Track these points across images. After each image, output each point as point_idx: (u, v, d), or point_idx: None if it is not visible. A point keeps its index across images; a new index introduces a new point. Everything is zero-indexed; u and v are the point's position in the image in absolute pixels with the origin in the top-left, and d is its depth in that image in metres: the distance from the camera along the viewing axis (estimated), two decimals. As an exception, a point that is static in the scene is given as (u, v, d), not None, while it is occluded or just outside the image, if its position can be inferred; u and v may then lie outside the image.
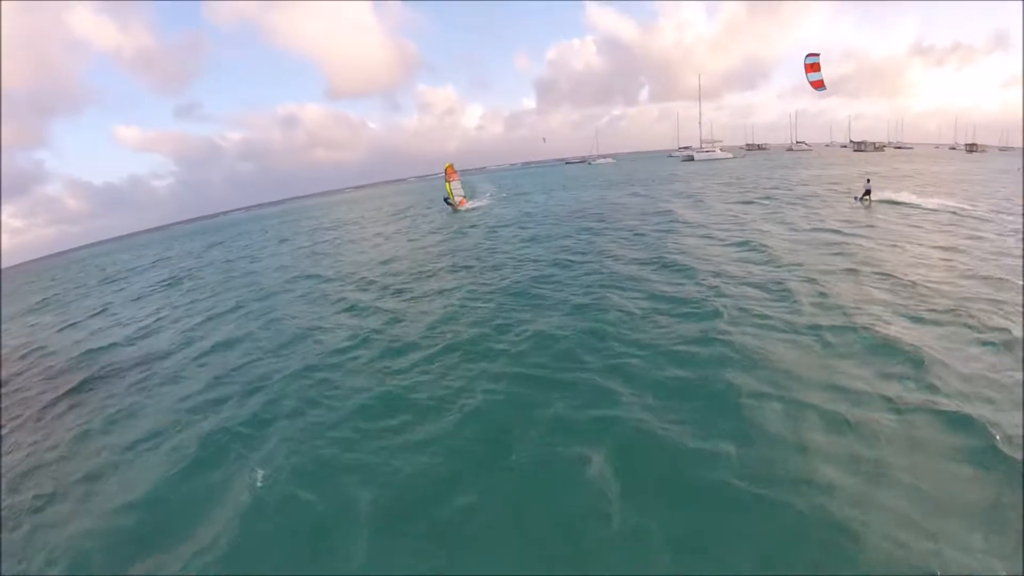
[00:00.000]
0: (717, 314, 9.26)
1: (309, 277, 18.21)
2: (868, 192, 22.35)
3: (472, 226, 24.07)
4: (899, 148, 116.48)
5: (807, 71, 30.71)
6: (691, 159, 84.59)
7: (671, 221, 19.82)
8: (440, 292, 13.17)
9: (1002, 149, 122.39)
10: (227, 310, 15.14)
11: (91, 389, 10.50)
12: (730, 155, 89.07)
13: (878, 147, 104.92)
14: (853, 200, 23.04)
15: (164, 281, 24.27)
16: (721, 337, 8.23)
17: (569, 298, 11.29)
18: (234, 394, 8.69)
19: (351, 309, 12.79)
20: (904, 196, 22.62)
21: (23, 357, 14.69)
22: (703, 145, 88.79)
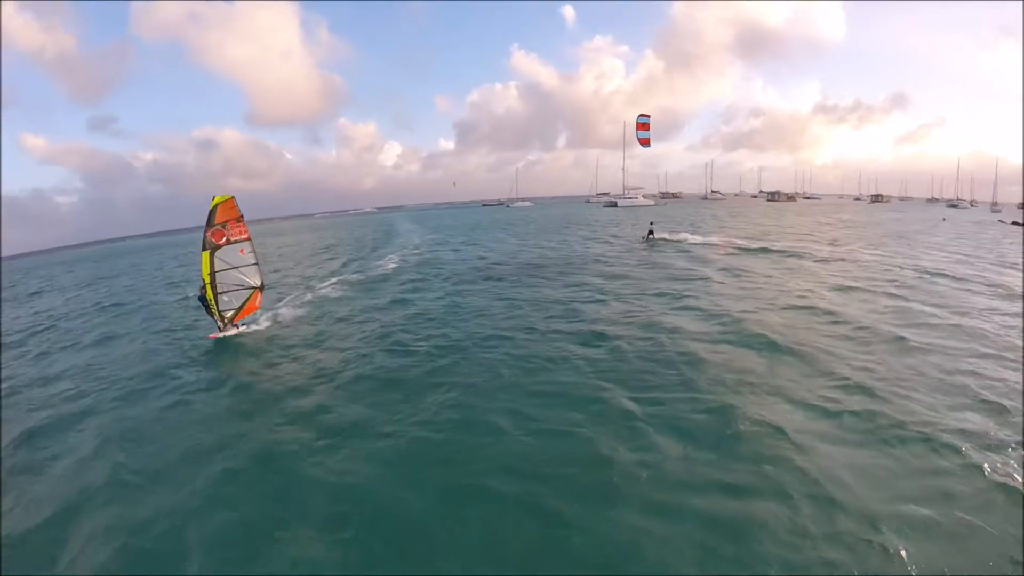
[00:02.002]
0: None
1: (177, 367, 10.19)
2: (651, 232, 27.60)
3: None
4: (808, 199, 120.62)
5: (638, 129, 36.30)
6: (614, 205, 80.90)
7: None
8: None
9: (902, 199, 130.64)
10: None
11: None
12: (651, 202, 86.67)
13: (790, 197, 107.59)
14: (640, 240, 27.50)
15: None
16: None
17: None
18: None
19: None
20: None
21: None
22: (626, 191, 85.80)
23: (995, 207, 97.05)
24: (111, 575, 4.67)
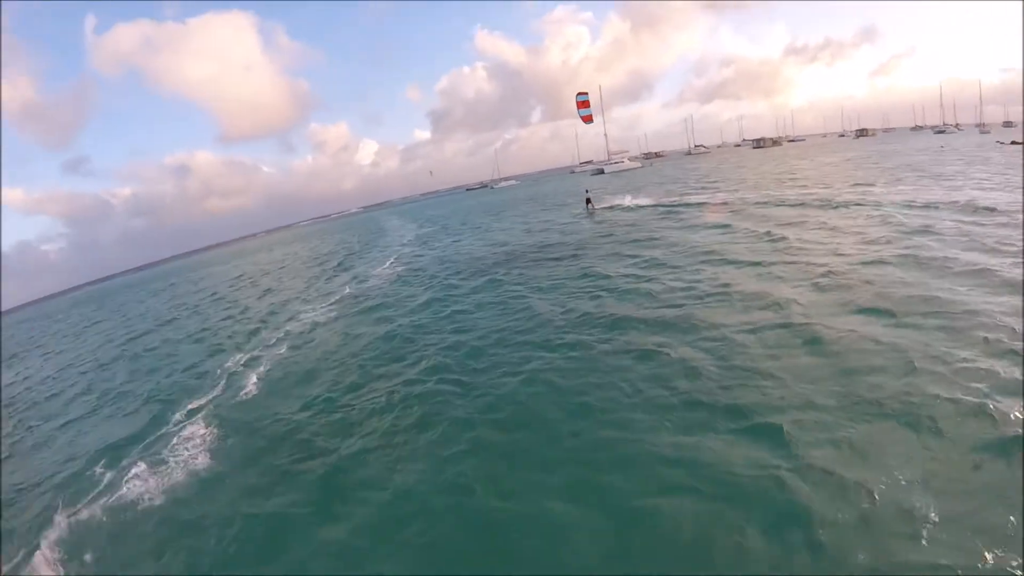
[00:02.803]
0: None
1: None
2: (589, 201, 27.53)
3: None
4: (792, 141, 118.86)
5: (578, 107, 34.70)
6: (601, 172, 78.52)
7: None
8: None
9: (885, 131, 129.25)
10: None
11: None
12: (638, 164, 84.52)
13: (775, 141, 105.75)
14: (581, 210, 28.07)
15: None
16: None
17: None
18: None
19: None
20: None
21: None
22: (611, 157, 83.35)
23: (983, 128, 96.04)
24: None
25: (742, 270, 10.61)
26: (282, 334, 12.63)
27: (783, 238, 12.92)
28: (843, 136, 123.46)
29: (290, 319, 14.29)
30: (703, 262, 11.84)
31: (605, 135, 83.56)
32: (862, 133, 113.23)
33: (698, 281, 10.24)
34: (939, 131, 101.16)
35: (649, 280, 11.05)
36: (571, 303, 10.28)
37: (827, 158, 45.46)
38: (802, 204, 18.14)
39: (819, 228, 13.73)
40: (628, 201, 26.46)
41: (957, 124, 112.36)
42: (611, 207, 26.78)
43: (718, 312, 8.29)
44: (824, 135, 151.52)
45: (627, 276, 11.72)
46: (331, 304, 15.23)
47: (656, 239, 15.45)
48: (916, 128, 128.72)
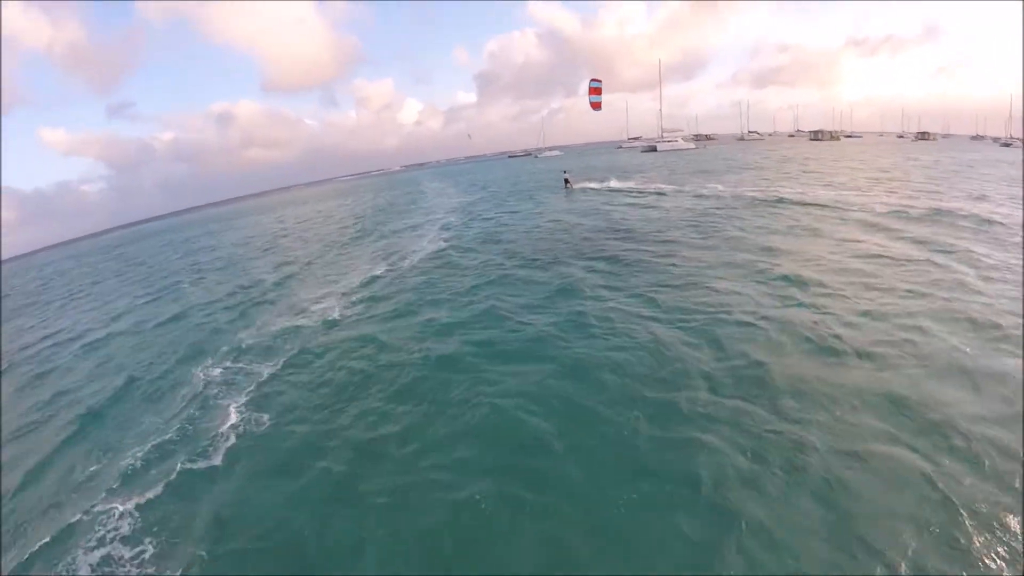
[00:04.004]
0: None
1: None
2: (568, 182, 32.83)
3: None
4: (849, 137, 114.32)
5: (590, 93, 35.76)
6: (653, 149, 76.50)
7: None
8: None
9: (944, 136, 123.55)
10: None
11: None
12: (692, 145, 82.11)
13: (834, 136, 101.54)
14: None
15: None
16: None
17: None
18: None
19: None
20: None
21: None
22: (664, 135, 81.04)
23: None
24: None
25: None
26: (284, 341, 10.04)
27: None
28: (902, 137, 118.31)
29: (300, 313, 11.85)
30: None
31: (660, 111, 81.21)
32: (923, 136, 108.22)
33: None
34: (1005, 144, 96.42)
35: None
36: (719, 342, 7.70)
37: (909, 161, 43.31)
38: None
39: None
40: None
41: (1021, 138, 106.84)
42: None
43: None
44: (881, 133, 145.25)
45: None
46: (358, 291, 13.24)
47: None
48: (976, 137, 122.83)
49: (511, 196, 34.10)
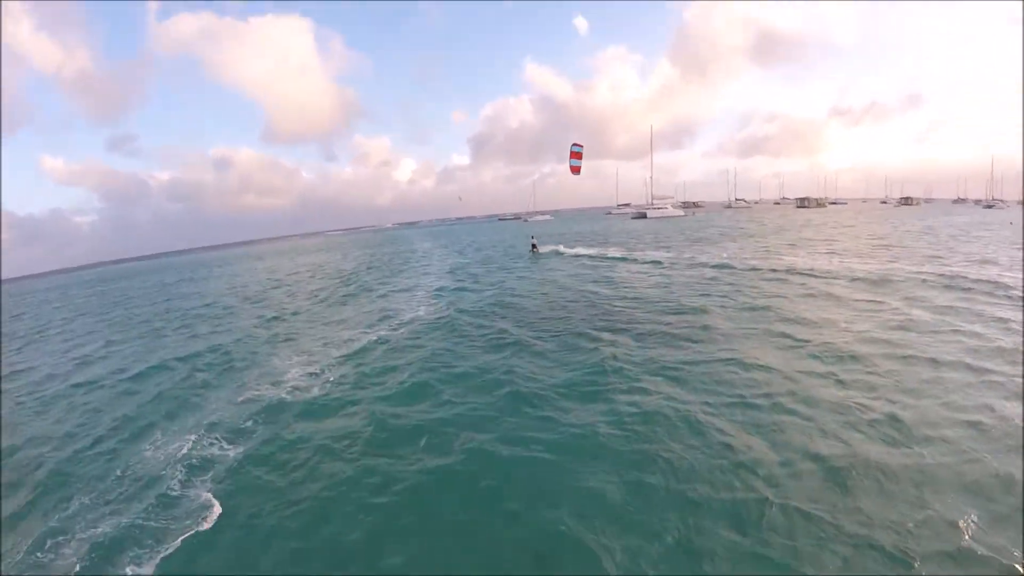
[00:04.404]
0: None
1: None
2: (534, 246, 34.39)
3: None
4: (834, 203, 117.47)
5: (571, 156, 34.78)
6: (643, 216, 77.61)
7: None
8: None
9: (927, 200, 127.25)
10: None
11: None
12: (682, 212, 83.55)
13: (820, 203, 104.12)
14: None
15: None
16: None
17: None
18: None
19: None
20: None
21: None
22: (654, 201, 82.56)
23: None
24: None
25: None
26: (254, 421, 8.26)
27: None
28: (885, 203, 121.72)
29: (278, 383, 10.05)
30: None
31: (651, 178, 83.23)
32: (906, 201, 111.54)
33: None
34: (987, 205, 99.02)
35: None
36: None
37: (901, 227, 43.49)
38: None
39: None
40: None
41: (995, 199, 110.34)
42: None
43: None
44: (864, 200, 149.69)
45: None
46: (345, 362, 11.27)
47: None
48: (958, 200, 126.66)
49: (506, 257, 33.64)
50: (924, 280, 16.09)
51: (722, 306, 13.90)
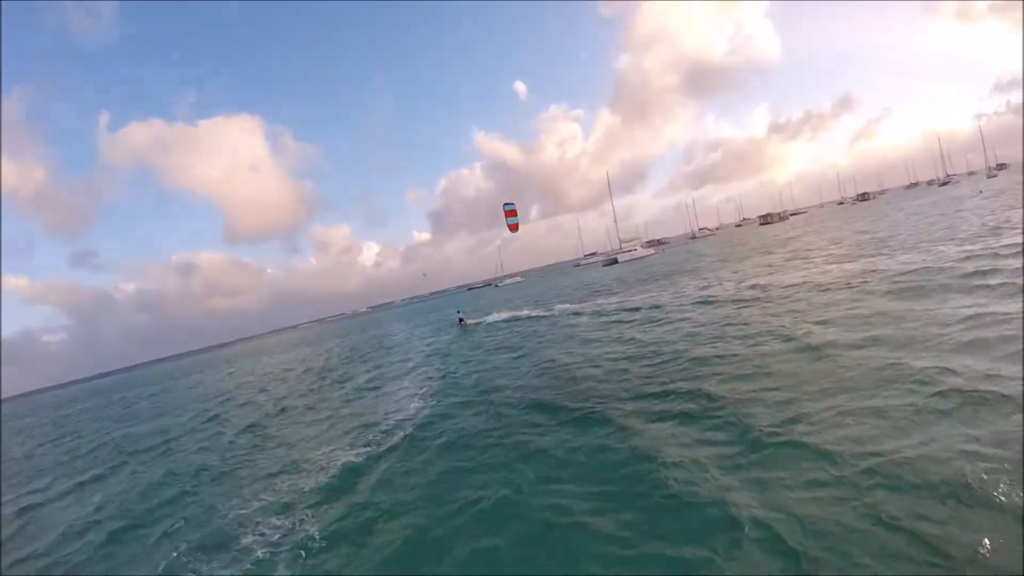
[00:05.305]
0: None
1: None
2: (462, 319, 32.52)
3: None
4: (795, 214, 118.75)
5: (506, 216, 35.49)
6: (614, 262, 75.26)
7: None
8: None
9: (881, 192, 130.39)
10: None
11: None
12: (652, 251, 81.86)
13: (782, 216, 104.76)
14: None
15: None
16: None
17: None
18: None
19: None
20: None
21: None
22: (623, 245, 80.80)
23: (991, 172, 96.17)
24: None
25: None
26: None
27: None
28: (842, 203, 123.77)
29: (236, 539, 6.75)
30: None
31: (615, 222, 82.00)
32: (863, 197, 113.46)
33: None
34: (943, 183, 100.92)
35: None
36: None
37: (869, 226, 41.52)
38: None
39: None
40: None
41: (949, 175, 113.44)
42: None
43: None
44: (821, 205, 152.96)
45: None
46: (322, 498, 7.63)
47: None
48: (912, 185, 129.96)
49: (489, 329, 28.32)
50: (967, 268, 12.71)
51: (762, 345, 9.87)
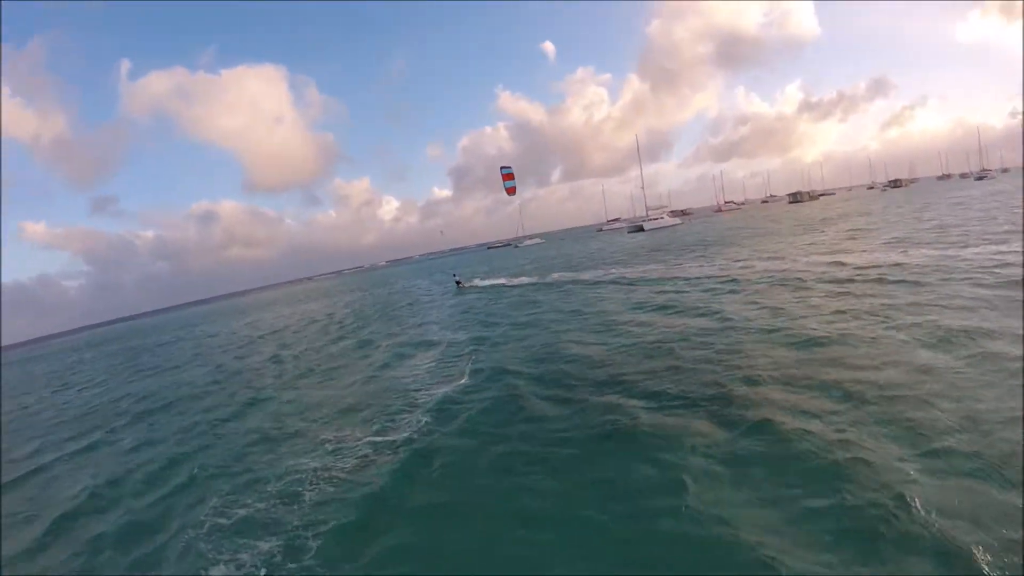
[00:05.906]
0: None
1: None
2: (459, 282, 34.54)
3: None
4: (823, 195, 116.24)
5: (503, 179, 36.47)
6: (639, 229, 74.15)
7: None
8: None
9: (912, 181, 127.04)
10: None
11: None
12: (679, 220, 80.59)
13: (812, 196, 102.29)
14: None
15: None
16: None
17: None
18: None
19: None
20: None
21: None
22: (649, 212, 79.44)
23: None
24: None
25: None
26: None
27: None
28: (872, 188, 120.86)
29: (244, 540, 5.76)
30: None
31: (643, 189, 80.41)
32: (895, 184, 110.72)
33: None
34: (979, 177, 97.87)
35: None
36: None
37: (926, 213, 40.23)
38: None
39: None
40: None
41: (985, 169, 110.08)
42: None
43: None
44: (850, 188, 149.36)
45: None
46: (330, 510, 6.16)
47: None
48: (944, 176, 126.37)
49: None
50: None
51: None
